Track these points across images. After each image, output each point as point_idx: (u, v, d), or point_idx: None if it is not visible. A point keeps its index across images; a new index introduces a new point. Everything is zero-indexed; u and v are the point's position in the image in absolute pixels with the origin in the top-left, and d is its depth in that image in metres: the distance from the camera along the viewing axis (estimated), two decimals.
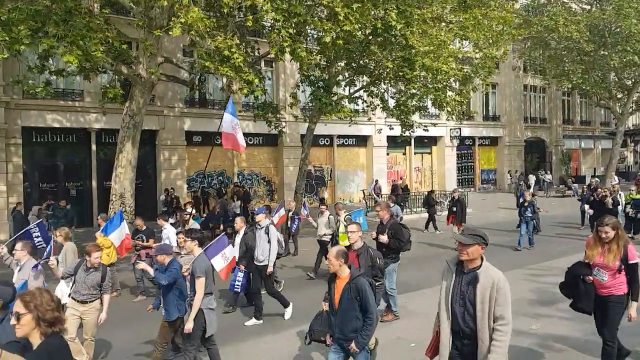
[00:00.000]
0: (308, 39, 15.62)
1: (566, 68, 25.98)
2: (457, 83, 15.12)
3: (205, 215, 17.50)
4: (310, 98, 14.92)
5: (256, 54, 15.10)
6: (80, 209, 17.00)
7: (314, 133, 16.84)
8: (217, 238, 7.21)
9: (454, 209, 13.53)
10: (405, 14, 11.64)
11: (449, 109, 14.92)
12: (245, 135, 21.71)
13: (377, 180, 23.48)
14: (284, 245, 8.17)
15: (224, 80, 15.85)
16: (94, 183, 17.97)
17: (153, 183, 19.62)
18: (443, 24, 14.91)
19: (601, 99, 30.18)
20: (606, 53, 25.00)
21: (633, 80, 28.32)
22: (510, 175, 30.07)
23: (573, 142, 36.60)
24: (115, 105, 13.05)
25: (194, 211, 12.38)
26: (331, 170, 25.27)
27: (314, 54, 12.25)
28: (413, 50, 12.31)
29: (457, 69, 14.06)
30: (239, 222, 8.40)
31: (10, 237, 14.56)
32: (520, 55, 28.95)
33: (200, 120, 20.32)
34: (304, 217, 12.24)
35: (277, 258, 7.76)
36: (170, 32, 9.05)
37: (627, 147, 38.86)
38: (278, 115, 16.83)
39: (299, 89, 15.93)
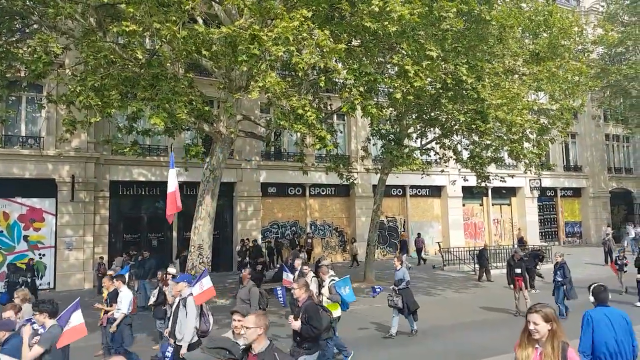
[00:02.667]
0: (378, 94, 15.65)
1: None
2: (534, 134, 14.17)
3: (279, 265, 17.42)
4: (381, 151, 14.71)
5: (328, 108, 15.33)
6: (161, 260, 17.58)
7: (386, 184, 16.48)
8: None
9: (519, 270, 11.21)
10: (475, 68, 11.26)
11: (527, 161, 13.93)
12: (318, 186, 22.17)
13: (419, 234, 22.19)
14: (209, 321, 6.39)
15: (298, 135, 16.21)
16: (174, 234, 18.57)
17: (229, 233, 20.04)
18: (516, 76, 14.32)
19: None
20: None
21: None
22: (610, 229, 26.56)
23: None
24: (197, 160, 13.61)
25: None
26: (404, 221, 24.44)
27: (385, 109, 12.13)
28: (485, 103, 11.81)
29: (533, 120, 13.24)
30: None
31: (93, 286, 15.34)
32: (600, 104, 27.01)
33: (275, 172, 20.77)
34: (290, 283, 8.89)
35: (202, 336, 6.19)
36: (249, 95, 9.35)
37: None
38: (349, 167, 16.74)
39: (370, 142, 15.81)
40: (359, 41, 11.27)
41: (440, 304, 12.60)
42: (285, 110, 9.84)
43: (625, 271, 13.51)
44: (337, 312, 7.44)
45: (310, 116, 9.13)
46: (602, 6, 27.84)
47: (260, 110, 20.13)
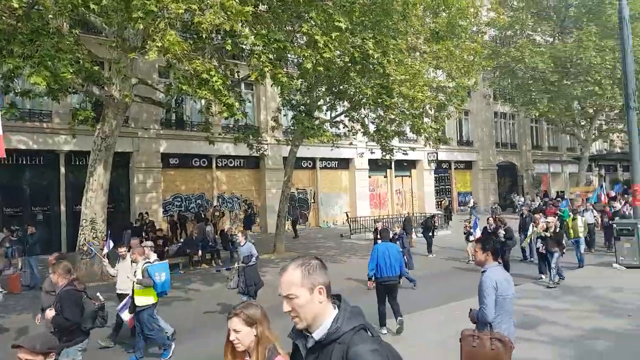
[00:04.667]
0: (288, 63, 15.60)
1: (533, 97, 26.74)
2: (433, 110, 15.29)
3: (182, 240, 16.95)
4: (292, 122, 14.82)
5: (235, 76, 14.95)
6: (48, 235, 16.14)
7: (297, 156, 16.69)
8: None
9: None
10: (381, 43, 11.72)
11: (426, 135, 15.03)
12: (225, 157, 21.73)
13: (291, 206, 21.82)
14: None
15: (202, 102, 15.66)
16: (62, 207, 17.11)
17: (126, 207, 18.95)
18: (417, 53, 15.20)
19: (566, 126, 31.15)
20: (569, 83, 25.88)
21: (594, 108, 29.38)
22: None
23: (542, 167, 37.46)
24: (87, 126, 12.55)
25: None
26: (314, 193, 25.06)
27: (295, 79, 12.19)
28: (390, 79, 12.41)
29: (432, 97, 14.24)
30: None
31: None
32: (490, 84, 29.71)
33: (177, 142, 19.91)
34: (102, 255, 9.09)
35: None
36: (146, 56, 8.77)
37: (592, 172, 39.99)
38: (259, 138, 16.64)
39: (280, 113, 15.85)
40: (266, 6, 11.09)
41: (341, 271, 13.29)
42: (188, 73, 9.41)
43: (471, 240, 14.04)
44: (149, 299, 6.80)
45: (216, 82, 8.85)
46: None
47: (159, 75, 19.00)
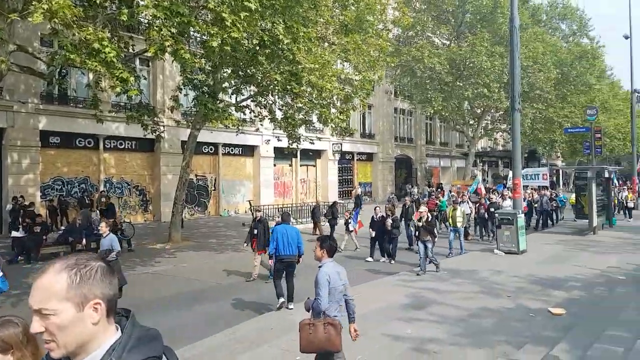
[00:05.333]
0: (191, 41, 14.79)
1: (429, 95, 28.68)
2: (339, 102, 15.61)
3: (63, 227, 15.38)
4: (193, 103, 14.03)
5: (130, 50, 13.79)
6: None
7: (198, 140, 15.95)
8: None
9: (256, 231, 10.46)
10: (292, 29, 11.63)
11: (333, 125, 15.30)
12: (115, 138, 20.08)
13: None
14: None
15: (91, 75, 14.23)
16: None
17: None
18: (326, 44, 15.39)
19: (457, 124, 33.99)
20: (461, 84, 28.19)
21: (483, 109, 32.43)
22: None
23: (434, 161, 40.56)
24: None
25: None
26: (215, 180, 24.28)
27: (199, 57, 11.56)
28: (300, 66, 12.39)
29: (340, 88, 14.52)
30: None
31: None
32: (392, 81, 31.29)
33: (59, 119, 17.96)
34: None
35: None
36: (29, 19, 7.68)
37: (476, 167, 44.21)
38: (155, 119, 15.58)
39: (180, 92, 15.00)
40: None
41: (242, 261, 13.13)
42: (76, 42, 8.42)
43: (350, 230, 14.53)
44: None
45: (109, 53, 8.04)
46: None
47: (41, 43, 16.93)
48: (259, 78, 13.83)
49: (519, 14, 15.25)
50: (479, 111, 32.92)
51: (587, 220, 17.43)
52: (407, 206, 15.69)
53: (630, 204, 22.86)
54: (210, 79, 14.06)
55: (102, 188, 19.41)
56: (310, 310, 4.43)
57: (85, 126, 18.03)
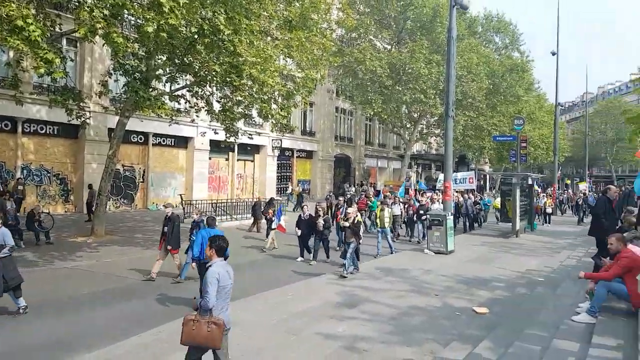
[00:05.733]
0: (124, 24, 14.02)
1: (369, 97, 29.33)
2: (281, 97, 15.50)
3: None
4: (124, 89, 13.28)
5: (57, 29, 12.80)
6: None
7: (127, 128, 15.12)
8: None
9: (165, 229, 10.02)
10: (233, 20, 11.37)
11: (274, 121, 15.17)
12: (35, 122, 18.66)
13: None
14: None
15: (11, 54, 13.06)
16: None
17: None
18: (269, 38, 15.21)
19: (394, 127, 35.05)
20: (400, 88, 29.10)
21: (419, 113, 33.68)
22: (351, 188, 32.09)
23: (372, 161, 41.58)
24: None
25: None
26: (144, 171, 23.23)
27: (132, 41, 10.95)
28: (241, 59, 12.13)
29: (282, 84, 14.40)
30: None
31: None
32: (334, 80, 31.66)
33: None
34: None
35: None
36: None
37: (411, 168, 45.91)
38: (81, 104, 14.59)
39: (110, 78, 14.11)
40: None
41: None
42: None
43: (273, 228, 14.48)
44: None
45: (33, 31, 7.43)
46: None
47: None
48: (197, 67, 13.37)
49: (456, 25, 15.96)
50: (415, 115, 34.14)
51: (511, 224, 18.65)
52: (339, 206, 15.73)
53: (549, 210, 24.75)
54: (144, 65, 13.40)
55: (18, 175, 17.95)
56: (197, 309, 4.46)
57: (4, 107, 16.63)
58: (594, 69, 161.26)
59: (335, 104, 36.35)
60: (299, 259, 12.88)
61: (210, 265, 4.56)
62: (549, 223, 24.19)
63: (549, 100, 49.69)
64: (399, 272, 10.99)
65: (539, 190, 30.84)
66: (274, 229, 14.52)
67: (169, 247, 9.93)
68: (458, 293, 9.24)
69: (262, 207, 17.70)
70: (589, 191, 36.35)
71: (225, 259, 5.49)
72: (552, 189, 33.90)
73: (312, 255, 12.66)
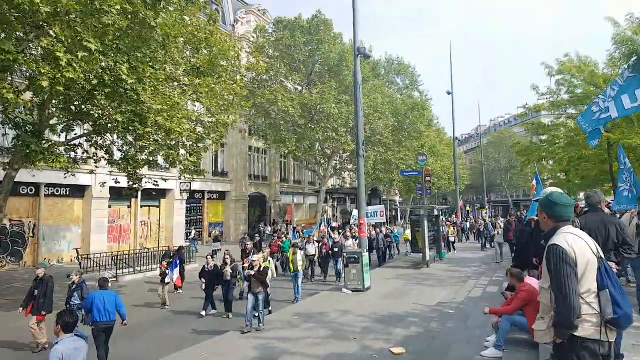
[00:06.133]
0: (15, 73, 13.14)
1: (283, 136, 29.97)
2: (190, 142, 15.30)
3: None
4: (13, 143, 12.29)
5: None
6: None
7: (15, 180, 13.86)
8: None
9: (36, 292, 9.41)
10: (137, 69, 11.21)
11: (182, 167, 14.87)
12: None
13: None
14: None
15: None
16: None
17: None
18: (176, 84, 15.09)
19: (309, 164, 35.94)
20: (313, 127, 30.13)
21: (332, 150, 34.96)
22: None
23: (288, 198, 41.91)
24: None
25: None
26: (35, 225, 21.30)
27: (23, 92, 10.27)
28: (145, 106, 11.89)
29: (191, 130, 14.26)
30: None
31: None
32: (247, 120, 31.97)
33: None
34: None
35: None
36: None
37: (327, 203, 46.94)
38: None
39: None
40: None
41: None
42: None
43: (167, 283, 13.82)
44: None
45: None
46: (253, 37, 33.23)
47: None
48: (96, 116, 12.83)
49: (361, 69, 17.10)
50: (329, 152, 35.37)
51: (422, 254, 19.76)
52: (248, 250, 15.42)
53: (452, 238, 26.57)
54: (36, 116, 12.56)
55: None
56: None
57: None
58: (485, 102, 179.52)
59: (249, 143, 36.49)
60: (203, 312, 12.35)
61: (56, 343, 4.37)
62: (455, 250, 25.99)
63: (448, 134, 54.26)
64: (317, 317, 11.11)
65: (444, 219, 33.11)
66: (168, 283, 13.75)
67: (42, 313, 9.34)
68: (375, 333, 9.56)
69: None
70: (489, 217, 39.72)
71: (105, 328, 5.25)
72: (455, 216, 36.63)
73: (224, 307, 12.25)
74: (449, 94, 36.98)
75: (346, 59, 30.04)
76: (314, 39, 30.70)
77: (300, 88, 33.95)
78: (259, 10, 39.51)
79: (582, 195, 48.10)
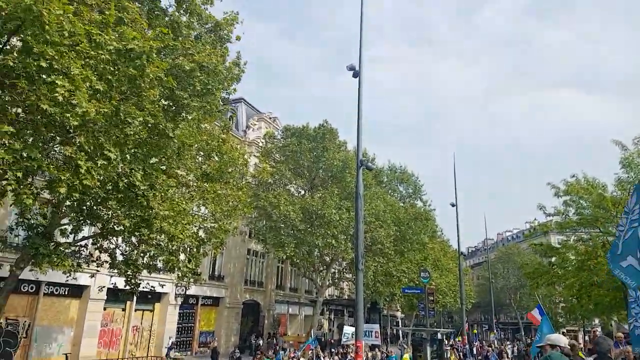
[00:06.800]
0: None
1: (282, 240, 30.30)
2: (190, 248, 15.66)
3: None
4: (24, 243, 12.65)
5: None
6: None
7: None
8: None
9: None
10: (151, 176, 11.99)
11: (180, 274, 15.07)
12: None
13: None
14: None
15: None
16: None
17: None
18: (184, 188, 15.91)
19: (307, 271, 35.76)
20: (313, 232, 30.58)
21: (331, 257, 35.01)
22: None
23: (283, 307, 40.93)
24: None
25: None
26: (29, 325, 20.74)
27: (39, 193, 10.93)
28: (153, 211, 12.47)
29: (194, 236, 14.74)
30: None
31: None
32: (248, 223, 32.56)
33: None
34: None
35: None
36: None
37: (324, 315, 45.69)
38: None
39: (11, 233, 13.34)
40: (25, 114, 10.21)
41: None
42: None
43: None
44: None
45: None
46: (262, 142, 35.29)
47: None
48: (105, 218, 13.40)
49: (363, 176, 17.88)
50: (327, 259, 35.40)
51: None
52: None
53: None
54: (49, 216, 13.17)
55: None
56: None
57: None
58: (491, 217, 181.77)
59: (248, 246, 36.72)
60: None
61: None
62: None
63: (453, 246, 54.31)
64: None
65: (446, 342, 32.03)
66: None
67: None
68: None
69: None
70: (497, 340, 38.29)
71: None
72: (461, 339, 35.33)
73: None
74: (452, 206, 37.90)
75: (349, 166, 31.50)
76: (319, 146, 32.54)
77: (303, 192, 35.06)
78: (269, 118, 42.54)
79: (597, 321, 46.88)
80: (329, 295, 46.17)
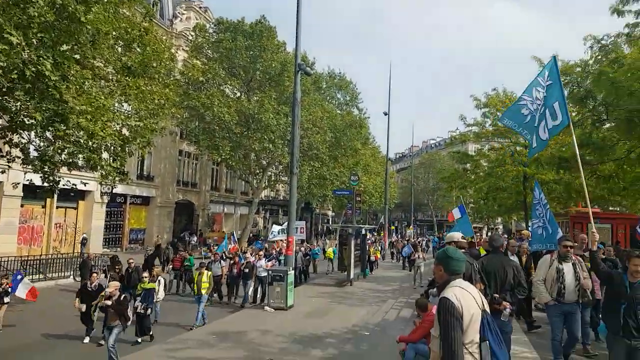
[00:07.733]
0: None
1: (217, 143, 29.57)
2: (114, 147, 14.68)
3: None
4: None
5: None
6: None
7: None
8: None
9: None
10: (62, 66, 10.71)
11: (103, 172, 14.23)
12: None
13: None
14: None
15: None
16: None
17: None
18: (103, 82, 14.44)
19: (243, 173, 35.68)
20: (250, 136, 30.03)
21: (267, 161, 34.97)
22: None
23: (218, 207, 41.25)
24: None
25: None
26: None
27: None
28: (67, 105, 11.33)
29: (116, 134, 13.72)
30: None
31: None
32: (178, 123, 31.11)
33: None
34: None
35: None
36: None
37: (259, 214, 46.72)
38: None
39: None
40: None
41: None
42: None
43: (7, 302, 12.37)
44: None
45: None
46: (192, 35, 32.55)
47: None
48: (13, 111, 12.03)
49: (302, 80, 17.33)
50: (264, 162, 35.36)
51: (346, 272, 20.30)
52: (130, 270, 14.16)
53: (372, 258, 27.32)
54: None
55: None
56: None
57: None
58: (419, 124, 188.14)
59: (179, 147, 35.56)
60: (86, 339, 11.18)
61: None
62: (377, 267, 26.92)
63: (383, 152, 56.21)
64: (235, 336, 11.10)
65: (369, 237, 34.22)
66: (7, 303, 12.13)
67: None
68: (292, 355, 9.73)
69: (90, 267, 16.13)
70: (413, 236, 41.46)
71: None
72: (382, 235, 37.97)
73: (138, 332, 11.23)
74: (385, 114, 38.47)
75: (288, 70, 30.29)
76: (256, 45, 30.67)
77: (238, 94, 33.72)
78: (200, 7, 38.74)
79: (499, 220, 51.97)
80: (264, 196, 46.89)
